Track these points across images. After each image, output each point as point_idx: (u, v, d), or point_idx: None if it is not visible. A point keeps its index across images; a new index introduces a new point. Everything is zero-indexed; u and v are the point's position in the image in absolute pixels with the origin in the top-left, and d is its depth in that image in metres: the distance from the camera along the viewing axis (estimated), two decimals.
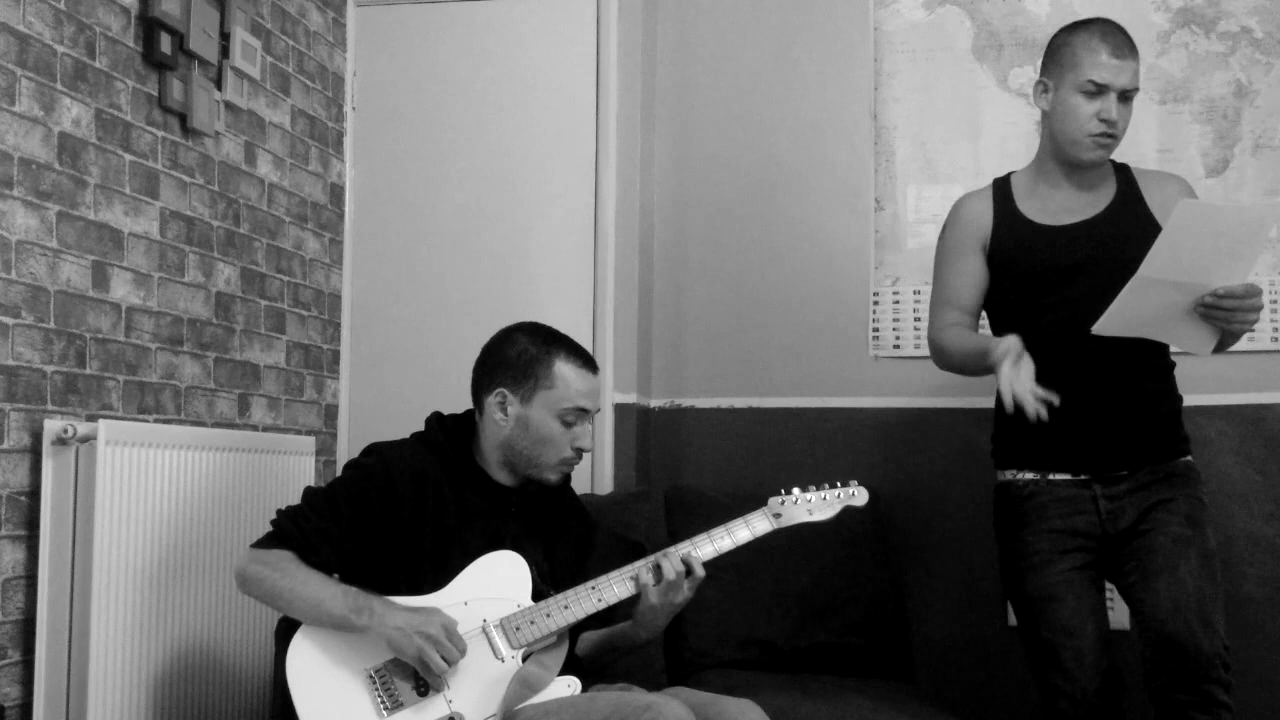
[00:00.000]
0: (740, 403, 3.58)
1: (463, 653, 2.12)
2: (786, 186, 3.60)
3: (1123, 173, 2.67)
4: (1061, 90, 2.56)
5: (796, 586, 3.09)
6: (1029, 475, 2.61)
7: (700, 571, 2.24)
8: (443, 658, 2.09)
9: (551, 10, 3.61)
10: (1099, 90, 2.51)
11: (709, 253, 3.64)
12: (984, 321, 2.83)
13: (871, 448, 3.46)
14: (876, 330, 3.52)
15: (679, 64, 3.69)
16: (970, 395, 3.43)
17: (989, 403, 3.39)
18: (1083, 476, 2.56)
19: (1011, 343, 2.43)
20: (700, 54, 3.69)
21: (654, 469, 3.57)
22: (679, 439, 3.61)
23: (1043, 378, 2.44)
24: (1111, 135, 2.54)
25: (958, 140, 3.50)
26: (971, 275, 2.67)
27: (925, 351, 3.47)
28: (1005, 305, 2.67)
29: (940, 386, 3.46)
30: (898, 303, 3.51)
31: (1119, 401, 2.54)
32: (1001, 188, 2.70)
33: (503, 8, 3.64)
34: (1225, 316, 2.35)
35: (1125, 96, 2.54)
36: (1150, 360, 2.57)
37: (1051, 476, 2.58)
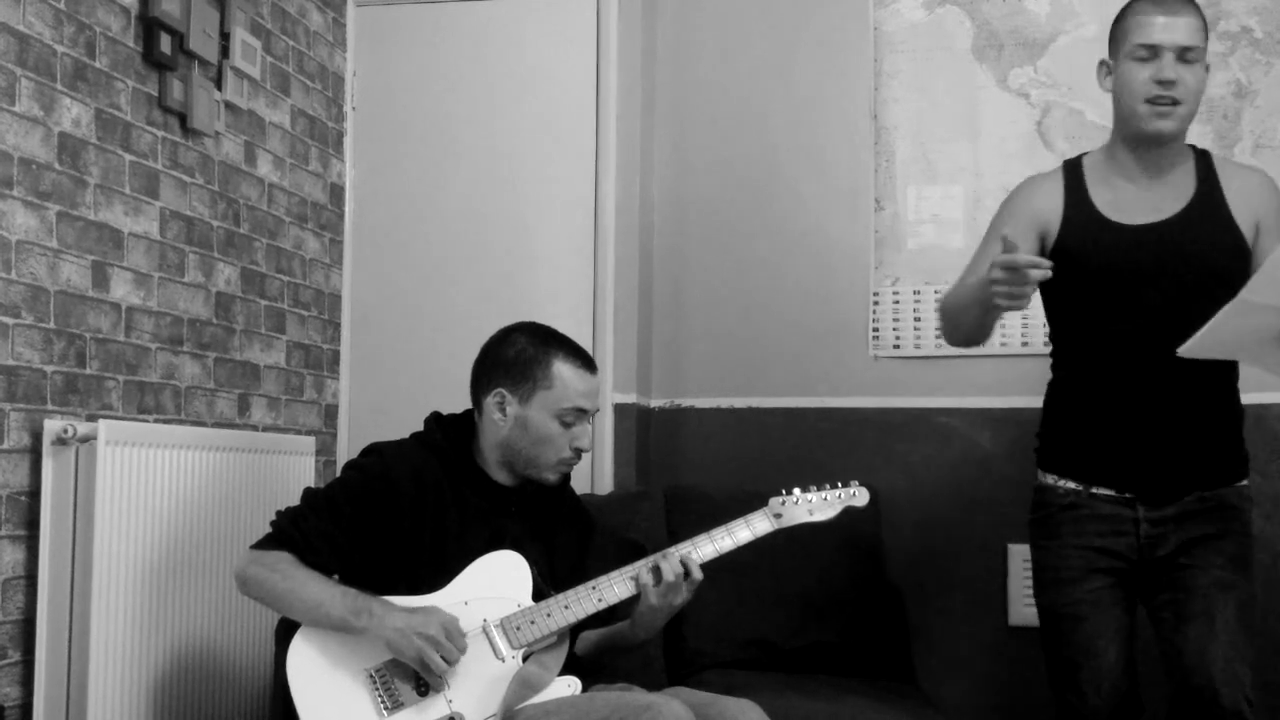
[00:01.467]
0: (740, 403, 3.58)
1: (463, 652, 2.12)
2: (786, 186, 3.60)
3: (1203, 163, 2.47)
4: (1119, 64, 2.40)
5: (796, 586, 3.09)
6: (1071, 484, 2.47)
7: (698, 574, 2.24)
8: (442, 658, 2.09)
9: (551, 10, 3.61)
10: (1152, 53, 2.34)
11: (709, 253, 3.64)
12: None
13: (871, 448, 3.46)
14: (876, 330, 3.52)
15: (679, 64, 3.69)
16: (970, 395, 3.44)
17: (989, 403, 3.42)
18: (1127, 495, 2.42)
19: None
20: (700, 54, 3.69)
21: (654, 469, 3.57)
22: (679, 439, 3.61)
23: (1105, 389, 2.40)
24: (1172, 99, 2.33)
25: (958, 140, 3.50)
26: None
27: (925, 351, 3.49)
28: (1068, 306, 2.49)
29: (940, 386, 3.46)
30: (898, 303, 3.51)
31: (1177, 421, 2.39)
32: (1073, 172, 2.50)
33: (503, 8, 3.64)
34: None
35: (1185, 57, 2.34)
36: (1218, 378, 2.41)
37: (1094, 490, 2.44)
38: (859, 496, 2.38)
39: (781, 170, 3.61)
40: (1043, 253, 2.44)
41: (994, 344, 3.42)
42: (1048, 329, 2.58)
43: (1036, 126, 3.45)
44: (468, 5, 3.66)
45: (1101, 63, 2.48)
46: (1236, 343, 2.23)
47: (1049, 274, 2.23)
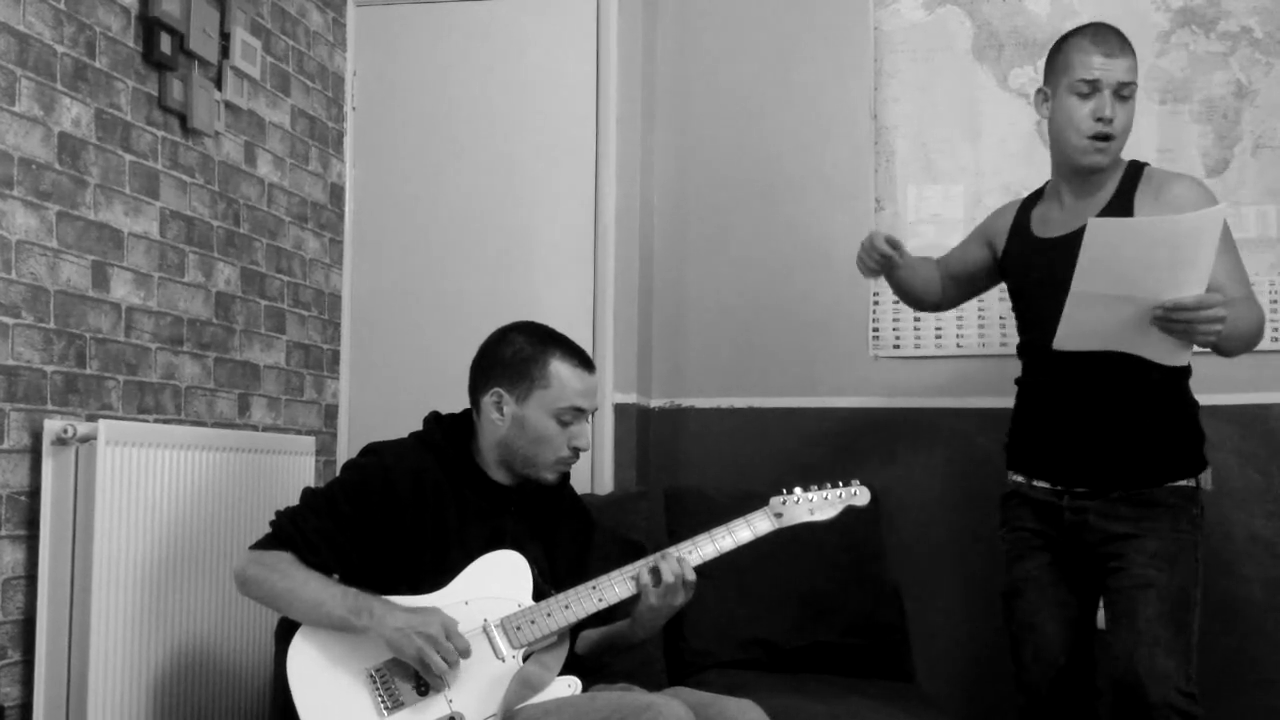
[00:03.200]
0: (740, 403, 3.58)
1: (464, 653, 2.12)
2: (786, 186, 3.60)
3: (1129, 175, 2.56)
4: (1058, 95, 2.52)
5: (796, 586, 3.09)
6: (1019, 478, 2.66)
7: (690, 576, 2.23)
8: (443, 658, 2.09)
9: (551, 10, 3.61)
10: (1091, 89, 2.46)
11: (709, 253, 3.64)
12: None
13: (871, 448, 3.46)
14: (876, 330, 3.52)
15: (679, 64, 3.69)
16: (970, 395, 3.44)
17: (989, 403, 3.41)
18: (1058, 488, 2.57)
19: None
20: (700, 54, 3.69)
21: (654, 469, 3.57)
22: (679, 439, 3.61)
23: (1039, 390, 2.60)
24: (1108, 136, 2.48)
25: (958, 140, 3.50)
26: (965, 255, 2.82)
27: (925, 351, 3.50)
28: (1016, 315, 2.72)
29: (940, 386, 3.46)
30: (898, 303, 3.49)
31: (1091, 419, 2.50)
32: (1034, 194, 2.72)
33: (503, 8, 3.64)
34: (1183, 329, 2.24)
35: (1121, 94, 2.47)
36: (1140, 379, 2.45)
37: (1035, 483, 2.62)
38: (860, 495, 2.37)
39: (781, 170, 3.61)
40: (991, 264, 2.77)
41: (994, 344, 3.43)
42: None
43: (1036, 126, 3.45)
44: (468, 5, 3.66)
45: (1039, 91, 2.60)
46: (1105, 334, 2.32)
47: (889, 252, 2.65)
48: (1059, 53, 2.55)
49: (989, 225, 2.79)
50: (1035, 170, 3.43)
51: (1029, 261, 2.62)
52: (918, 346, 3.49)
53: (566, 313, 3.40)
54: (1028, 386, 2.67)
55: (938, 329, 3.48)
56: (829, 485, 2.36)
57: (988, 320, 3.44)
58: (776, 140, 3.61)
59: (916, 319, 3.49)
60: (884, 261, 2.70)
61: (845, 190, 3.56)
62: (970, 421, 3.42)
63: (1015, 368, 3.35)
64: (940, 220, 3.50)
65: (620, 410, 3.46)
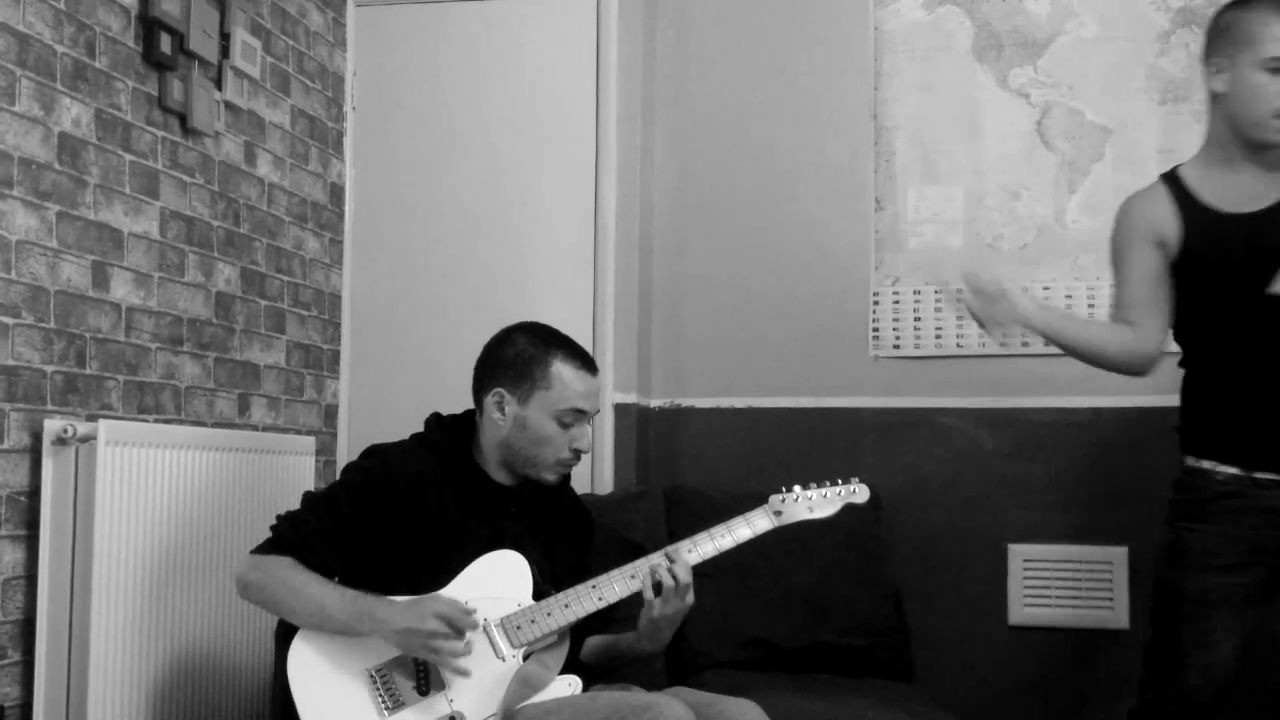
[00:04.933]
0: (740, 403, 3.58)
1: (472, 626, 2.12)
2: (787, 186, 3.60)
3: None
4: (1240, 69, 2.38)
5: (796, 586, 3.09)
6: (1232, 470, 2.42)
7: (685, 579, 2.21)
8: (456, 634, 2.10)
9: (551, 10, 3.61)
10: None
11: (709, 253, 3.64)
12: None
13: (871, 448, 3.46)
14: (876, 330, 3.52)
15: (679, 64, 3.69)
16: (970, 395, 3.44)
17: (989, 403, 3.42)
18: None
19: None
20: (700, 54, 3.69)
21: (654, 469, 3.57)
22: (679, 439, 3.61)
23: (1254, 373, 2.40)
24: None
25: (958, 140, 3.50)
26: (1143, 274, 2.51)
27: (925, 351, 3.49)
28: (1201, 302, 2.49)
29: (940, 386, 3.46)
30: (898, 303, 3.51)
31: None
32: (1174, 182, 2.53)
33: (503, 8, 3.64)
34: None
35: None
36: None
37: (1257, 475, 2.40)
38: (859, 493, 2.37)
39: (781, 170, 3.61)
40: (1168, 256, 2.49)
41: (994, 344, 3.42)
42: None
43: (1036, 126, 3.45)
44: (468, 5, 3.65)
45: (1210, 61, 2.46)
46: None
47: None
48: (1237, 24, 2.41)
49: (1145, 226, 2.52)
50: (1035, 170, 3.44)
51: (1229, 239, 2.42)
52: (918, 346, 3.49)
53: (566, 312, 3.39)
54: (1233, 372, 2.46)
55: (938, 329, 3.48)
56: (828, 483, 2.36)
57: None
58: (776, 140, 3.61)
59: (917, 319, 3.49)
60: (989, 298, 2.45)
61: (845, 190, 3.56)
62: (970, 421, 3.42)
63: (1015, 367, 3.39)
64: (940, 220, 3.50)
65: (620, 410, 3.45)
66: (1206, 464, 2.46)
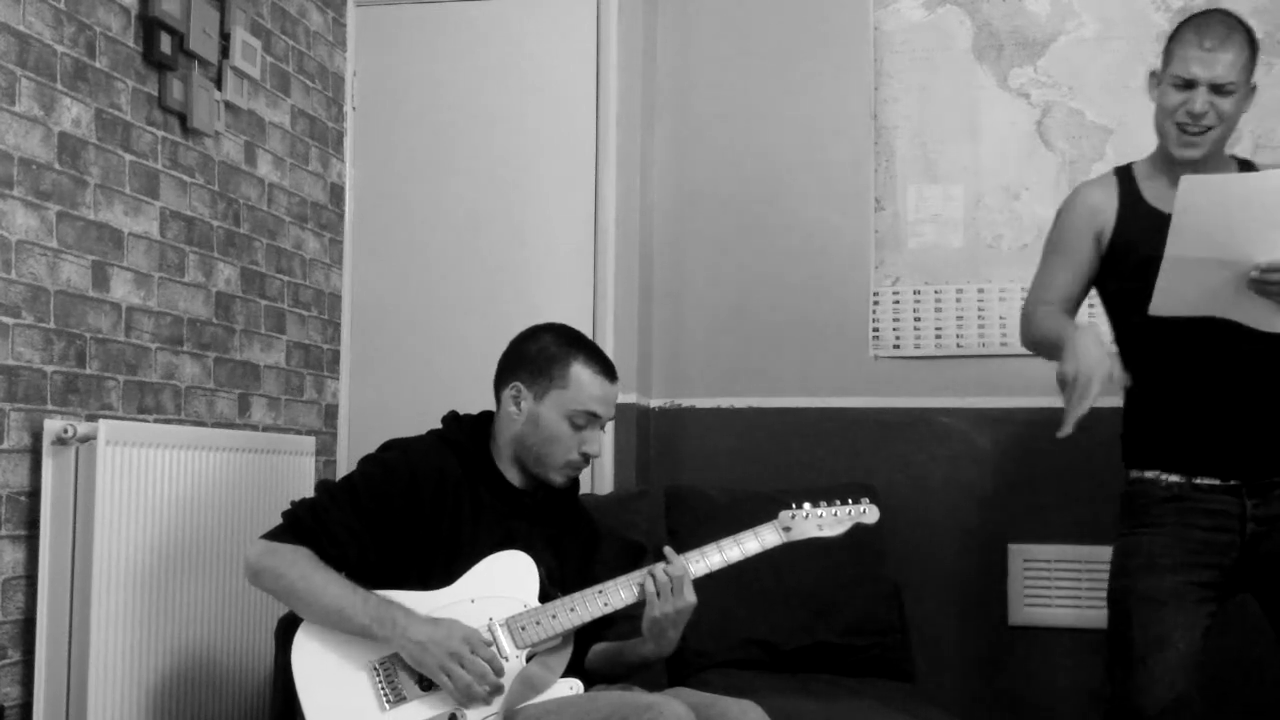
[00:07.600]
0: (740, 403, 3.58)
1: (496, 669, 2.11)
2: (787, 186, 3.60)
3: (1245, 169, 2.54)
4: (1161, 84, 2.47)
5: (796, 586, 3.09)
6: (1174, 478, 2.45)
7: (678, 572, 2.22)
8: (467, 670, 2.09)
9: (551, 10, 3.61)
10: (1185, 84, 2.40)
11: (709, 253, 3.64)
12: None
13: (871, 448, 3.46)
14: (876, 330, 3.52)
15: (679, 64, 3.69)
16: (970, 395, 3.43)
17: (989, 403, 3.41)
18: (1232, 482, 2.41)
19: (1086, 329, 2.36)
20: (700, 54, 3.69)
21: (654, 469, 3.57)
22: (679, 439, 3.61)
23: (1188, 378, 2.42)
24: (1201, 128, 2.40)
25: (958, 140, 3.50)
26: (1077, 268, 2.54)
27: (925, 351, 3.49)
28: (1132, 300, 2.46)
29: (940, 386, 3.46)
30: (898, 303, 3.51)
31: (1265, 400, 2.40)
32: (1125, 174, 2.58)
33: (503, 8, 3.64)
34: (1278, 291, 2.20)
35: (1219, 90, 2.38)
36: None
37: (1198, 480, 2.44)
38: (869, 514, 2.37)
39: (781, 170, 3.60)
40: (1099, 251, 2.53)
41: (994, 344, 3.43)
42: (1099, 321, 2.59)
43: (1036, 126, 3.45)
44: (468, 5, 3.66)
45: (1151, 73, 2.53)
46: (1202, 298, 2.28)
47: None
48: (1171, 39, 2.48)
49: (1085, 211, 2.56)
50: (1035, 170, 3.44)
51: (1157, 236, 2.39)
52: (918, 346, 3.49)
53: (567, 312, 3.38)
54: (1169, 376, 2.48)
55: (938, 329, 3.48)
56: (838, 502, 2.36)
57: (987, 320, 3.44)
58: (776, 140, 3.61)
59: (917, 319, 3.49)
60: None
61: (845, 190, 3.56)
62: (970, 421, 3.42)
63: (1015, 367, 3.37)
64: (940, 220, 3.50)
65: (620, 410, 3.44)
66: (1150, 474, 2.49)
